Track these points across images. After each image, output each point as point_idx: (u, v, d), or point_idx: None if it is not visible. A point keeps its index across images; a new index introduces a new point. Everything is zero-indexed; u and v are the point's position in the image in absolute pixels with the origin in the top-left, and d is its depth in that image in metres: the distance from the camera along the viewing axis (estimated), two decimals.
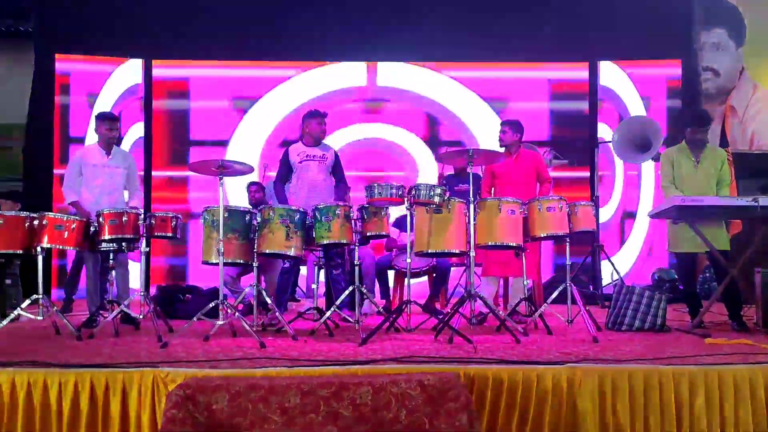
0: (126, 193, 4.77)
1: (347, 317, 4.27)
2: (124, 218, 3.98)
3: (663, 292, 4.27)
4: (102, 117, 4.71)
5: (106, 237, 3.97)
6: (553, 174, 5.27)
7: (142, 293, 4.13)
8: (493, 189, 4.75)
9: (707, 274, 6.11)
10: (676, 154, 4.48)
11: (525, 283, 4.39)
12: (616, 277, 5.96)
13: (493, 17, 7.00)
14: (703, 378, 2.80)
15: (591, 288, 6.28)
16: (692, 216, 4.12)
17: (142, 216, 4.06)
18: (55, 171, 6.71)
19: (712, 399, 2.78)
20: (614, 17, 7.01)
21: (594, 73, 7.27)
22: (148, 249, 4.21)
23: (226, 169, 3.84)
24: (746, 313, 4.35)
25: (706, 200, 3.99)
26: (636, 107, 7.24)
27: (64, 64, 6.91)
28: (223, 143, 7.10)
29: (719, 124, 7.45)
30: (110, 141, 4.64)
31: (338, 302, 4.13)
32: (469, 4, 7.03)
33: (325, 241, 4.05)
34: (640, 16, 7.01)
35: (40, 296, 3.79)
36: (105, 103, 6.92)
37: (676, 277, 6.12)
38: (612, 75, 7.31)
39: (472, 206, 3.81)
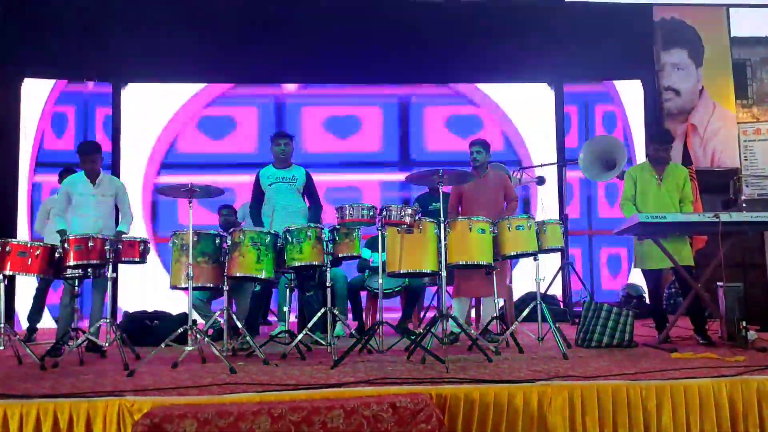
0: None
1: (319, 340, 4.25)
2: (90, 243, 3.92)
3: (630, 308, 4.35)
4: (82, 149, 4.58)
5: (71, 263, 3.90)
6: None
7: (108, 320, 4.05)
8: (460, 208, 4.79)
9: (672, 290, 6.23)
10: (639, 172, 4.60)
11: (496, 302, 4.43)
12: (585, 293, 6.04)
13: (459, 40, 7.13)
14: (669, 392, 2.86)
15: (561, 305, 6.36)
16: (656, 232, 4.22)
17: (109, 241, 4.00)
18: (20, 197, 6.58)
19: (678, 412, 2.84)
20: (577, 40, 7.19)
21: (559, 94, 7.43)
22: (114, 275, 4.13)
23: (196, 192, 3.81)
24: (711, 327, 4.45)
25: (669, 217, 4.09)
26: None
27: (31, 88, 6.80)
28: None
29: (681, 142, 7.65)
30: (94, 169, 4.57)
31: (310, 325, 4.10)
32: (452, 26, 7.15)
33: (297, 263, 4.03)
34: (603, 38, 7.20)
35: (2, 325, 3.69)
36: (71, 127, 6.83)
37: (643, 293, 6.22)
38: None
39: (443, 226, 3.84)
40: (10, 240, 3.81)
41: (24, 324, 5.41)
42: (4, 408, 2.63)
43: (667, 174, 4.52)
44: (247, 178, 5.89)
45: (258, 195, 4.83)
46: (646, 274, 4.56)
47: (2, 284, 3.74)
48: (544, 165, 6.77)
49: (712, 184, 7.41)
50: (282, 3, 7.12)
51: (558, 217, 6.41)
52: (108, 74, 6.96)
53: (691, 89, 8.14)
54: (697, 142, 8.05)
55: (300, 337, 4.01)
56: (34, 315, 5.28)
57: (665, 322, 4.41)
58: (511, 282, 5.15)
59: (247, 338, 3.91)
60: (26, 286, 5.52)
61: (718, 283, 4.41)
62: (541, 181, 6.62)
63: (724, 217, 4.02)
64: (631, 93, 7.56)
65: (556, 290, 6.55)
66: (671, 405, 2.84)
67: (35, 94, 6.84)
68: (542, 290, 4.31)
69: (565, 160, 6.90)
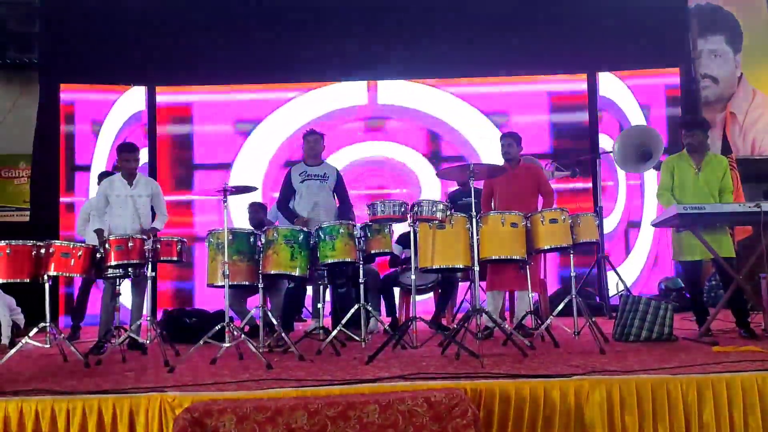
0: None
1: (353, 336, 4.27)
2: (130, 244, 4.03)
3: (669, 302, 4.26)
4: (121, 148, 4.78)
5: (113, 263, 4.01)
6: (555, 186, 5.27)
7: (149, 318, 4.17)
8: (493, 202, 4.76)
9: (713, 282, 6.08)
10: (676, 161, 4.49)
11: (530, 296, 4.39)
12: (622, 287, 5.93)
13: (491, 32, 7.07)
14: (710, 386, 2.79)
15: (597, 299, 6.26)
16: (695, 223, 4.12)
17: (149, 241, 4.10)
18: (62, 200, 6.78)
19: (720, 407, 2.77)
20: (611, 28, 7.06)
21: (593, 84, 7.30)
22: (153, 274, 4.24)
23: (230, 192, 3.87)
24: (754, 320, 4.33)
25: (707, 207, 4.00)
26: (636, 117, 7.26)
27: (68, 93, 6.98)
28: (227, 166, 7.15)
29: (720, 130, 7.46)
30: (131, 171, 4.69)
31: (344, 321, 4.13)
32: (466, 21, 7.10)
33: (330, 260, 4.07)
34: (637, 26, 7.05)
35: (48, 324, 3.81)
36: (110, 131, 7.00)
37: (683, 285, 6.09)
38: (611, 85, 7.34)
39: (474, 220, 3.83)
40: (53, 242, 3.93)
41: (68, 323, 5.58)
42: (52, 403, 2.72)
43: (706, 163, 4.40)
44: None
45: (286, 191, 4.88)
46: (685, 265, 4.46)
47: (47, 284, 3.86)
48: (579, 158, 6.67)
49: (753, 172, 7.20)
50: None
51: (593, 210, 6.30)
52: (143, 78, 7.11)
53: (729, 76, 7.92)
54: (737, 130, 7.83)
55: (334, 333, 4.04)
56: (78, 314, 5.44)
57: (706, 315, 4.31)
58: (545, 276, 5.10)
59: (283, 335, 3.97)
60: (70, 287, 5.69)
61: (760, 275, 4.29)
62: (574, 173, 6.52)
63: (766, 206, 3.91)
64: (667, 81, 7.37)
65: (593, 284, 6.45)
66: (713, 400, 2.77)
67: (73, 99, 7.02)
68: (577, 284, 4.26)
69: (599, 151, 6.77)
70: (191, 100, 7.27)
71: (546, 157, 6.80)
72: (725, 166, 4.45)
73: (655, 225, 4.59)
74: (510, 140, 4.72)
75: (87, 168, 6.85)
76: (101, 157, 6.89)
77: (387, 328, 4.36)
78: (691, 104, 7.33)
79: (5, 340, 4.55)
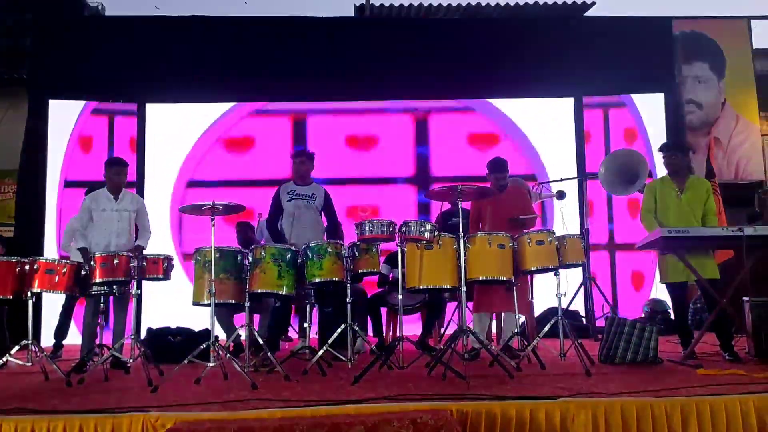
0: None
1: (340, 356, 4.25)
2: (116, 261, 4.00)
3: (655, 324, 4.29)
4: (110, 162, 4.77)
5: (98, 280, 3.98)
6: None
7: (132, 336, 4.12)
8: (480, 224, 4.79)
9: (698, 305, 6.13)
10: (659, 185, 4.56)
11: (517, 317, 4.40)
12: (608, 309, 5.97)
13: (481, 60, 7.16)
14: (695, 409, 2.80)
15: (584, 321, 6.28)
16: (679, 246, 4.17)
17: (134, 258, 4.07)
18: (47, 216, 6.72)
19: (705, 430, 2.78)
20: (596, 54, 7.18)
21: (579, 108, 7.40)
22: (139, 292, 4.20)
23: (218, 210, 3.87)
24: (738, 343, 4.37)
25: (692, 231, 4.05)
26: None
27: (57, 109, 6.97)
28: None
29: (704, 155, 7.58)
30: (118, 185, 4.68)
31: (330, 341, 4.11)
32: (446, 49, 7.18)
33: (317, 280, 4.07)
34: (622, 52, 7.18)
35: (30, 341, 3.76)
36: (98, 147, 6.98)
37: (668, 308, 6.13)
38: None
39: (462, 241, 3.85)
40: (38, 258, 3.90)
41: (50, 341, 5.50)
42: (32, 423, 2.67)
43: (688, 187, 4.47)
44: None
45: (275, 209, 4.89)
46: (671, 287, 4.50)
47: (30, 302, 3.82)
48: (564, 179, 6.73)
49: (736, 197, 7.32)
50: (298, 24, 7.24)
51: (579, 232, 6.35)
52: (132, 95, 7.11)
53: (713, 102, 8.09)
54: (721, 155, 7.96)
55: (320, 353, 4.02)
56: (60, 332, 5.37)
57: (690, 337, 4.34)
58: (532, 297, 5.11)
59: (269, 354, 3.94)
60: (53, 304, 5.62)
61: (744, 298, 4.34)
62: (560, 195, 6.58)
63: (749, 230, 3.97)
64: (651, 106, 7.49)
65: (579, 306, 6.48)
66: (697, 422, 2.78)
67: (61, 116, 7.00)
68: (564, 306, 4.27)
69: (585, 174, 6.85)
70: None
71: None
72: (707, 189, 4.51)
73: (639, 248, 4.63)
74: (503, 173, 4.75)
75: (75, 184, 6.81)
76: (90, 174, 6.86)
77: (374, 348, 4.34)
78: (675, 129, 7.45)
79: None
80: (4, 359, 3.74)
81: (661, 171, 4.96)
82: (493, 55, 7.18)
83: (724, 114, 8.09)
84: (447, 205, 5.74)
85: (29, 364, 3.84)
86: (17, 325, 4.30)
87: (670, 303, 5.28)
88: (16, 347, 3.77)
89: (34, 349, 3.81)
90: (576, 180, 6.81)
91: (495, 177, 4.74)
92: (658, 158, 4.67)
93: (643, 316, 6.50)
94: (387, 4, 8.85)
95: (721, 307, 4.14)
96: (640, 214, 4.58)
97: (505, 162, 4.82)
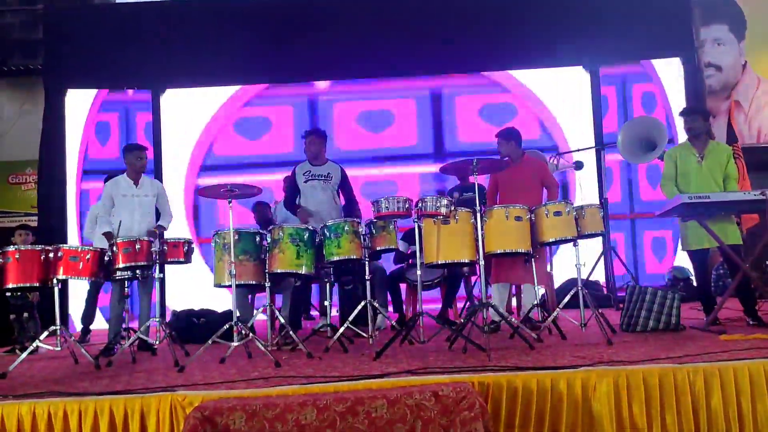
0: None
1: (361, 332, 4.29)
2: (137, 246, 4.06)
3: (676, 291, 4.25)
4: (129, 148, 4.81)
5: (121, 265, 4.05)
6: None
7: (157, 319, 4.20)
8: (498, 197, 4.76)
9: (721, 271, 6.06)
10: (679, 151, 4.48)
11: (536, 289, 4.39)
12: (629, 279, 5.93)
13: (494, 26, 7.04)
14: (718, 374, 2.80)
15: (605, 290, 6.25)
16: (700, 213, 4.11)
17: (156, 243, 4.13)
18: (68, 204, 6.82)
19: (728, 395, 2.77)
20: (612, 20, 7.02)
21: (596, 76, 7.26)
22: (162, 275, 4.27)
23: (235, 192, 3.89)
24: (761, 308, 4.32)
25: (712, 196, 3.99)
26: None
27: (74, 98, 7.03)
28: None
29: (725, 119, 7.42)
30: (138, 171, 4.72)
31: (351, 318, 4.15)
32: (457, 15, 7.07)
33: (335, 258, 4.09)
34: (638, 17, 7.01)
35: (58, 327, 3.86)
36: (115, 135, 7.04)
37: (691, 275, 6.07)
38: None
39: (479, 215, 3.83)
40: (61, 246, 3.97)
41: (78, 326, 5.63)
42: (64, 405, 2.76)
43: (709, 152, 4.39)
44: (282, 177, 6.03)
45: (292, 190, 4.91)
46: (692, 254, 4.45)
47: (56, 288, 3.90)
48: (582, 150, 6.65)
49: (759, 161, 7.16)
50: (310, 2, 7.17)
51: (598, 202, 6.28)
52: (147, 81, 7.13)
53: (733, 64, 7.88)
54: (742, 119, 7.79)
55: (342, 330, 4.06)
56: (87, 317, 5.49)
57: (714, 304, 4.30)
58: (551, 269, 5.10)
59: (291, 332, 3.99)
60: (79, 290, 5.73)
61: (767, 263, 4.28)
62: (578, 166, 6.50)
63: None
64: (670, 71, 7.31)
65: (599, 276, 6.44)
66: (721, 388, 2.78)
67: (78, 105, 7.05)
68: (584, 276, 4.25)
69: (603, 143, 6.75)
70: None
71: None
72: (728, 154, 4.43)
73: (660, 215, 4.57)
74: (499, 139, 4.72)
75: (94, 173, 6.89)
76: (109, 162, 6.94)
77: (394, 324, 4.37)
78: (694, 93, 7.28)
79: None
80: (35, 345, 3.83)
81: (683, 137, 4.91)
82: (505, 25, 7.04)
83: (745, 76, 7.89)
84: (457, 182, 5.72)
85: (58, 349, 3.94)
86: (45, 312, 4.37)
87: (692, 270, 5.25)
88: (45, 333, 3.86)
89: (62, 334, 3.90)
90: (594, 149, 6.72)
91: (498, 143, 4.70)
92: (680, 124, 4.58)
93: (665, 283, 6.45)
94: None
95: (744, 271, 4.09)
96: (661, 182, 4.52)
97: (511, 130, 4.75)
